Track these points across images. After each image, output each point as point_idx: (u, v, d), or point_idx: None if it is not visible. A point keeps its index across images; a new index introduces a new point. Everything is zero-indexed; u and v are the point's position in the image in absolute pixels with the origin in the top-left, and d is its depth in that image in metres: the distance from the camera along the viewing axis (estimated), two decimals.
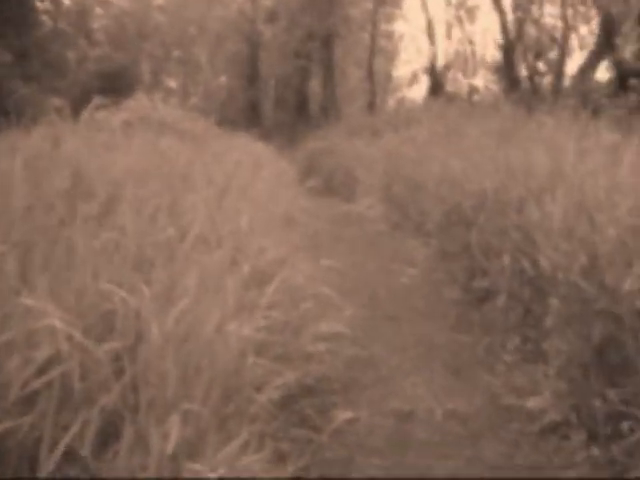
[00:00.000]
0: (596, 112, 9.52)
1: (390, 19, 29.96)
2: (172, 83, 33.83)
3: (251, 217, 4.28)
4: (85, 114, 10.60)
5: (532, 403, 3.56)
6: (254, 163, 8.45)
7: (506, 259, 4.79)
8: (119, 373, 2.17)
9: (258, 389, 2.53)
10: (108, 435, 2.01)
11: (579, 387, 3.39)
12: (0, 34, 18.99)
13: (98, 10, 30.45)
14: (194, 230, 3.31)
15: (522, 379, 3.97)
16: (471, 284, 5.66)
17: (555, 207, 4.39)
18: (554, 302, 3.88)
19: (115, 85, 21.38)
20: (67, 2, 28.11)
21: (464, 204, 6.22)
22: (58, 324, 1.97)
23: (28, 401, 1.95)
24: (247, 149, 10.42)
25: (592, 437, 3.19)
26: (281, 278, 3.32)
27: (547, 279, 4.17)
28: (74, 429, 1.87)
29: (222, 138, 11.41)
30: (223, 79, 32.43)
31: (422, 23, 24.62)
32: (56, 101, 12.03)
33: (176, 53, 33.25)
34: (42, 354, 1.99)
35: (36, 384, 1.96)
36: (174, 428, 1.92)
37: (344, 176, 13.58)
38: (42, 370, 1.99)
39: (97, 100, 11.18)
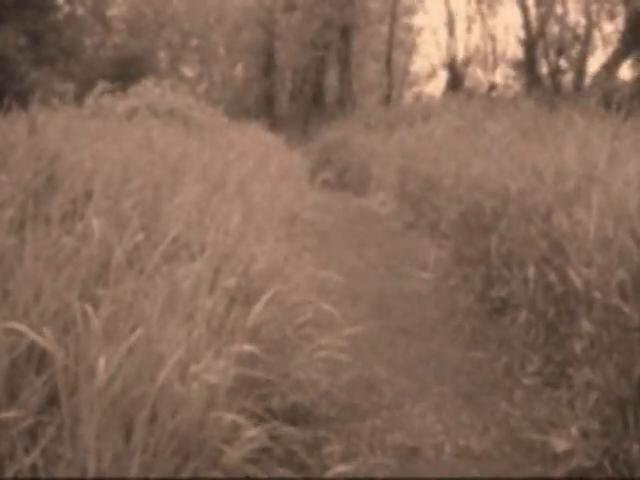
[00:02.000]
0: (628, 112, 9.02)
1: (410, 12, 29.39)
2: (189, 71, 33.42)
3: (247, 216, 3.81)
4: (89, 99, 10.22)
5: (557, 442, 3.07)
6: (261, 155, 8.00)
7: (530, 270, 4.29)
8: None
9: (229, 440, 2.05)
10: None
11: (614, 428, 2.92)
12: (15, 17, 18.65)
13: None
14: (171, 234, 2.81)
15: (544, 410, 3.50)
16: (488, 293, 5.19)
17: (589, 215, 3.89)
18: (586, 325, 3.40)
19: (131, 72, 21.02)
20: None
21: (484, 205, 5.74)
22: None
23: None
24: (256, 140, 9.96)
25: None
26: (274, 291, 2.84)
27: (578, 297, 3.69)
28: None
29: (231, 128, 10.97)
30: (239, 68, 31.97)
31: (443, 16, 24.11)
32: (65, 86, 11.60)
33: (194, 42, 32.83)
34: None
35: None
36: None
37: (358, 170, 13.13)
38: None
39: (102, 85, 10.81)
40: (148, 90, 12.15)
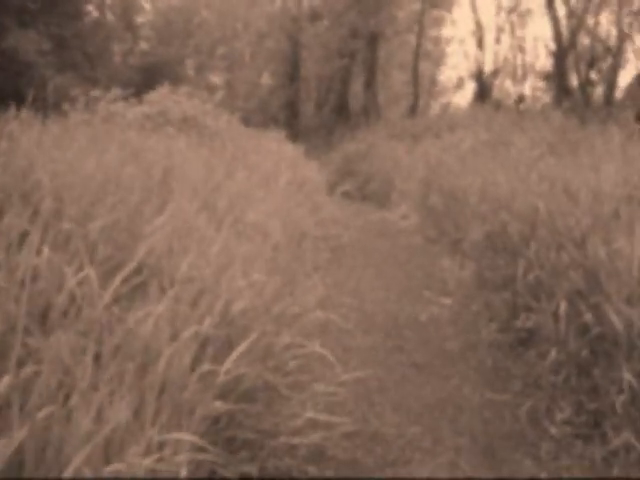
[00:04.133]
0: None
1: (438, 22, 28.94)
2: (216, 79, 33.27)
3: (239, 238, 3.36)
4: (100, 105, 9.91)
5: None
6: (274, 165, 7.58)
7: (562, 305, 3.78)
8: None
9: None
10: None
11: None
12: (42, 22, 18.56)
13: (145, 5, 30.14)
14: (131, 265, 2.34)
15: (575, 469, 3.00)
16: (513, 323, 4.68)
17: (631, 243, 3.40)
18: (627, 376, 2.91)
19: (157, 79, 20.76)
20: None
21: (510, 227, 5.25)
22: None
23: None
24: (272, 149, 9.54)
25: None
26: (258, 333, 2.38)
27: (617, 338, 3.20)
28: None
29: (248, 136, 10.57)
30: (265, 77, 31.71)
31: (471, 27, 23.69)
32: (76, 91, 11.27)
33: (221, 49, 32.68)
34: None
35: None
36: None
37: (380, 182, 12.67)
38: None
39: (115, 91, 10.50)
40: (163, 97, 11.81)
